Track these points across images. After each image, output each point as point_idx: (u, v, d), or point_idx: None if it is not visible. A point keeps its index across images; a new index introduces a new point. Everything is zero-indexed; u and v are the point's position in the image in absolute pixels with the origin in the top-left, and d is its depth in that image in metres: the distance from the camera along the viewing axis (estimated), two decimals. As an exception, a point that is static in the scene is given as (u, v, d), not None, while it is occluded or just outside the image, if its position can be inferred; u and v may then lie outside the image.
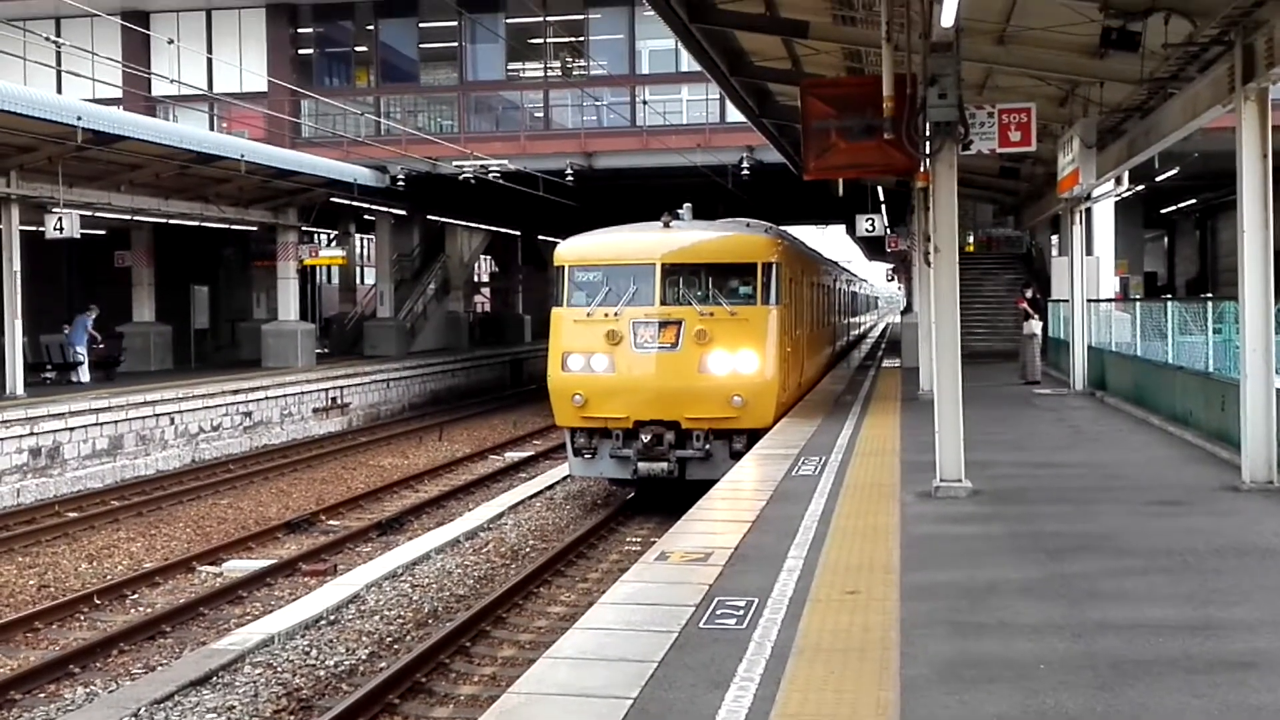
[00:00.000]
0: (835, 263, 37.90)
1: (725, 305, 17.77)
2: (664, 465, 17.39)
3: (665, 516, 15.75)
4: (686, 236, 18.61)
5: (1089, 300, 22.67)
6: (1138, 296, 29.71)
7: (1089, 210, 23.02)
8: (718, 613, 7.62)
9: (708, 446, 17.45)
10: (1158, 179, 28.11)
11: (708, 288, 18.01)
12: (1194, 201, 39.46)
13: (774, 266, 18.24)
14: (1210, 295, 32.38)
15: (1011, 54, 16.52)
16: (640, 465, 17.51)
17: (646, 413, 17.45)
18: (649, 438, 17.39)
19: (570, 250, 19.00)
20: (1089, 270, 22.99)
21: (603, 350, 17.65)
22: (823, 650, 6.81)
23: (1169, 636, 6.94)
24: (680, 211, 19.78)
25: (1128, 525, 10.24)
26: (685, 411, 17.38)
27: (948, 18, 10.77)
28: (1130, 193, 24.17)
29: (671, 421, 17.43)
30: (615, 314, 17.67)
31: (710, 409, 17.37)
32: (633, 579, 8.83)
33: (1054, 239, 31.80)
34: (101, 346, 29.04)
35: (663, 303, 17.59)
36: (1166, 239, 49.75)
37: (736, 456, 16.40)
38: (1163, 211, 41.67)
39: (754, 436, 17.06)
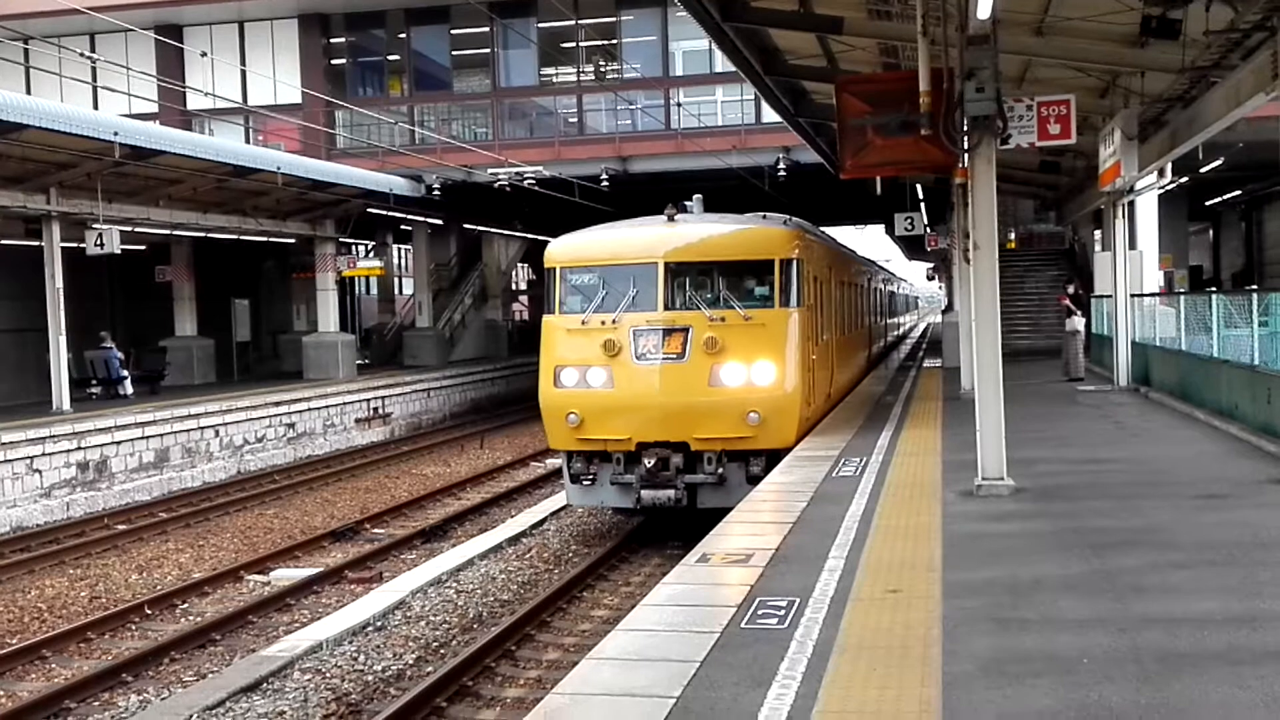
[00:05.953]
0: (871, 261, 37.19)
1: (739, 309, 15.62)
2: (670, 493, 15.39)
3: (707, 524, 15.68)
4: (693, 231, 16.45)
5: (1133, 295, 22.46)
6: (1182, 290, 29.40)
7: (1132, 204, 22.79)
8: (759, 613, 7.61)
9: (720, 470, 15.45)
10: (1201, 170, 27.81)
11: (718, 289, 15.92)
12: (1239, 193, 39.02)
13: (794, 263, 16.13)
14: (1256, 287, 31.99)
15: (1050, 45, 16.34)
16: (644, 493, 15.48)
17: (650, 433, 15.50)
18: (653, 462, 15.42)
19: (561, 249, 16.77)
20: (1132, 265, 22.73)
21: (599, 363, 15.61)
22: (865, 648, 6.79)
23: (1214, 629, 6.88)
24: (688, 204, 17.70)
25: (1172, 520, 10.14)
26: (694, 431, 15.41)
27: (984, 9, 10.69)
28: (1174, 185, 23.98)
29: (679, 443, 15.47)
30: (613, 321, 15.60)
31: (723, 427, 15.37)
32: (674, 581, 8.83)
33: (1096, 234, 31.51)
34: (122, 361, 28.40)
35: (667, 307, 15.53)
36: (1211, 231, 49.19)
37: (754, 480, 14.48)
38: (1207, 203, 41.21)
39: (774, 458, 15.14)
